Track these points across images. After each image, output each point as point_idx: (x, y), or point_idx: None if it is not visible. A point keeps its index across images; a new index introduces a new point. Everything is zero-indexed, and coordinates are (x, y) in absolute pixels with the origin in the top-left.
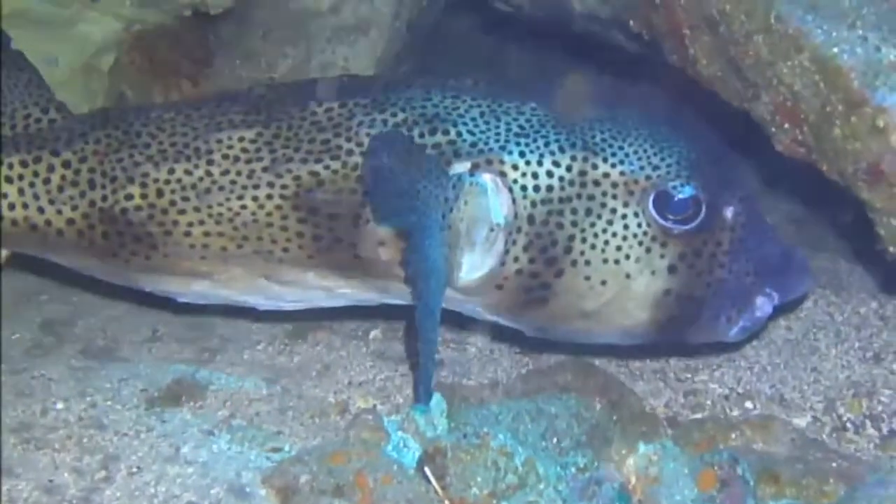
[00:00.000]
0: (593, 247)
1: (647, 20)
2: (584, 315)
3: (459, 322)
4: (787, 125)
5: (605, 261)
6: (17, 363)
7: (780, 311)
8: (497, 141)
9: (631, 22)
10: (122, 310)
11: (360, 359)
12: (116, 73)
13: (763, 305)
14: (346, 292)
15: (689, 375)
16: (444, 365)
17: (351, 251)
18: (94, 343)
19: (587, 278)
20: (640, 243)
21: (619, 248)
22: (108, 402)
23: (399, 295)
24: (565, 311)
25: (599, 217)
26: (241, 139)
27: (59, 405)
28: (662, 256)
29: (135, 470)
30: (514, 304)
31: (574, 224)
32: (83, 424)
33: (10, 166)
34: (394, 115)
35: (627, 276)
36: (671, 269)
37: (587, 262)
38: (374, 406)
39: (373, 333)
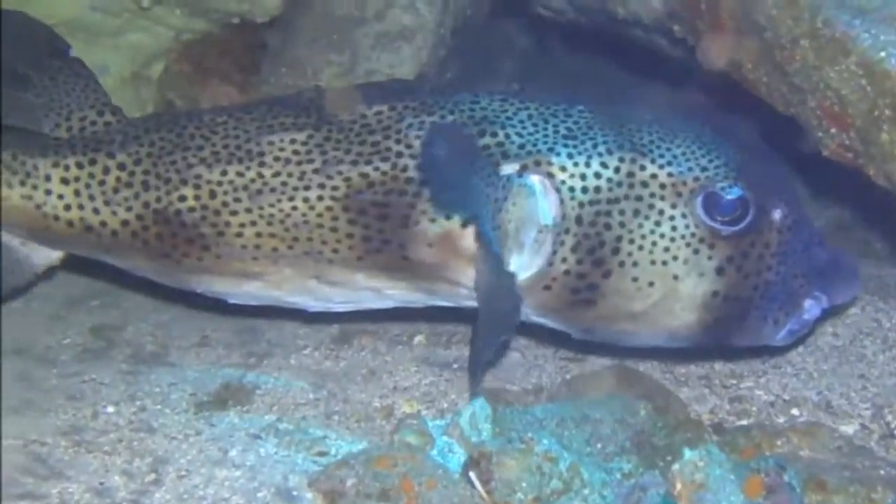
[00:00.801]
0: (641, 248)
1: (691, 25)
2: (631, 316)
3: None
4: (833, 130)
5: (653, 262)
6: (67, 367)
7: (827, 314)
8: (545, 143)
9: (675, 27)
10: (170, 315)
11: (404, 364)
12: (165, 82)
13: (811, 308)
14: (395, 293)
15: (735, 382)
16: (489, 371)
17: (400, 252)
18: (144, 348)
19: (635, 279)
20: (688, 245)
21: (666, 250)
22: (158, 406)
23: (446, 297)
24: (613, 312)
25: (647, 218)
26: (293, 141)
27: (110, 409)
28: (710, 258)
29: (184, 473)
30: (562, 305)
31: (622, 225)
32: (133, 428)
33: (67, 168)
34: (442, 117)
35: (675, 277)
36: (719, 271)
37: (635, 264)
38: (419, 411)
39: (417, 339)
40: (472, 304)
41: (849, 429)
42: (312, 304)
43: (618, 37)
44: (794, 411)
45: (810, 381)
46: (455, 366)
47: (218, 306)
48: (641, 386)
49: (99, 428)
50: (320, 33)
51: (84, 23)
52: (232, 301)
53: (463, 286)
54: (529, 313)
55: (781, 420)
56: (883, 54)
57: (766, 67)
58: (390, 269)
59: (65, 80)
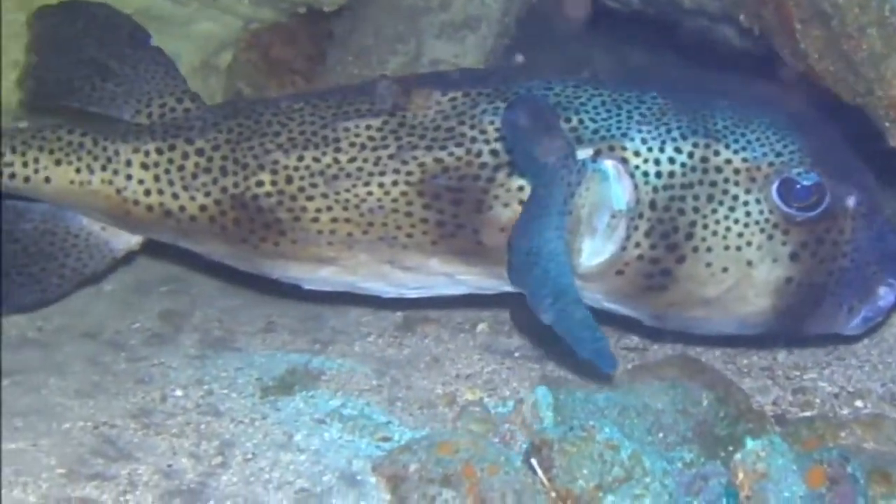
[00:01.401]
0: (715, 233)
1: (757, 15)
2: (703, 302)
3: None
4: None
5: (727, 247)
6: (136, 351)
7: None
8: (619, 128)
9: (741, 16)
10: (237, 301)
11: (467, 352)
12: (233, 71)
13: (885, 296)
14: (468, 279)
15: (798, 373)
16: (551, 359)
17: (474, 237)
18: (211, 333)
19: (708, 265)
20: (762, 230)
21: (740, 235)
22: (225, 391)
23: None
24: (685, 297)
25: (721, 203)
26: (368, 127)
27: (178, 392)
28: (784, 244)
29: (250, 456)
30: (635, 290)
31: (696, 210)
32: (200, 411)
33: (147, 153)
34: None
35: (749, 263)
36: (793, 257)
37: (709, 249)
38: (482, 398)
39: (480, 327)
40: None
41: None
42: (386, 290)
43: (680, 27)
44: (859, 403)
45: (875, 373)
46: (517, 354)
47: (283, 293)
48: (703, 376)
49: (167, 411)
50: (386, 22)
51: (155, 12)
52: (307, 287)
53: None
54: (601, 299)
55: (845, 412)
56: None
57: (832, 57)
58: (464, 254)
59: (145, 68)
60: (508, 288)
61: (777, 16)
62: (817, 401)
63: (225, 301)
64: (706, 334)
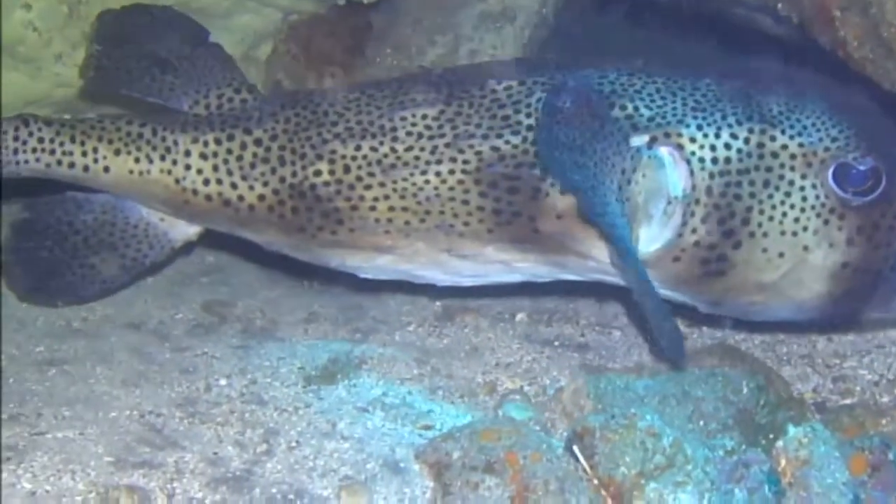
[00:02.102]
0: (771, 218)
1: (795, 3)
2: (760, 288)
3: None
4: None
5: (783, 233)
6: (180, 341)
7: None
8: (674, 115)
9: (779, 5)
10: (278, 292)
11: (506, 341)
12: (273, 63)
13: None
14: (524, 266)
15: (838, 361)
16: (590, 348)
17: (530, 225)
18: (253, 323)
19: (765, 250)
20: (818, 215)
21: (797, 220)
22: (268, 380)
23: (575, 270)
24: (742, 283)
25: (777, 189)
26: (424, 116)
27: (222, 381)
28: (840, 229)
29: (294, 444)
30: (691, 276)
31: (752, 196)
32: (245, 400)
33: (206, 144)
34: None
35: (805, 248)
36: (849, 242)
37: (765, 234)
38: (522, 387)
39: (519, 316)
40: (601, 277)
41: None
42: (442, 278)
43: (718, 17)
44: None
45: None
46: (556, 343)
47: (324, 284)
48: (744, 364)
49: (212, 400)
50: (424, 14)
51: (195, 4)
52: (362, 275)
53: (592, 259)
54: (658, 286)
55: (885, 399)
56: None
57: (871, 44)
58: (520, 242)
59: (204, 62)
60: (564, 275)
61: (816, 4)
62: (857, 388)
63: (266, 292)
64: (763, 320)
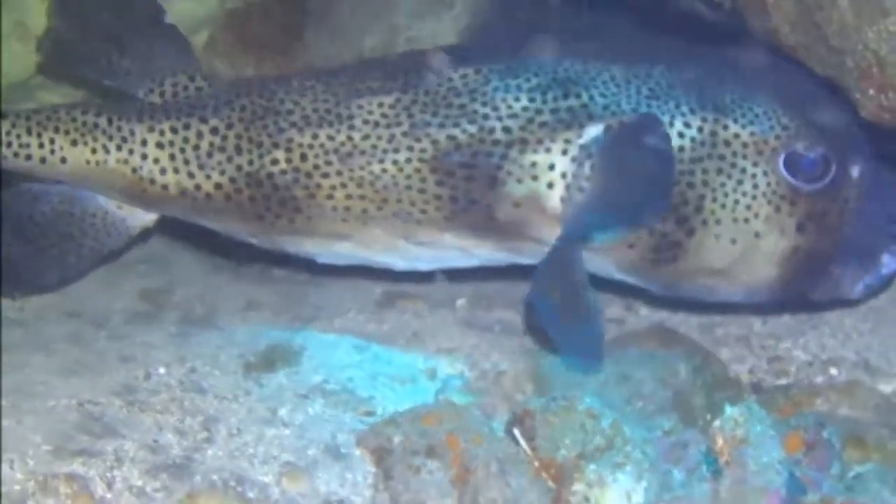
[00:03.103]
0: (724, 206)
1: None
2: (713, 273)
3: None
4: (871, 91)
5: (735, 219)
6: (118, 330)
7: None
8: (629, 103)
9: None
10: (218, 279)
11: (447, 326)
12: (210, 50)
13: (889, 263)
14: (481, 252)
15: (773, 342)
16: (529, 332)
17: (487, 212)
18: (193, 311)
19: (717, 237)
20: (770, 202)
21: (748, 207)
22: (208, 368)
23: (532, 255)
24: (695, 269)
25: (730, 177)
26: (381, 105)
27: (161, 370)
28: (791, 215)
29: (234, 431)
30: (646, 262)
31: (705, 184)
32: (184, 388)
33: (162, 133)
34: (528, 79)
35: (757, 234)
36: (799, 228)
37: (718, 221)
38: (463, 372)
39: (459, 302)
40: None
41: (887, 387)
42: (400, 264)
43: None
44: (833, 371)
45: (848, 341)
46: (497, 328)
47: (264, 270)
48: (681, 346)
49: (151, 388)
50: (362, 0)
51: None
52: (321, 261)
53: (549, 245)
54: (613, 271)
55: (820, 379)
56: None
57: (804, 29)
58: (478, 229)
59: (160, 45)
60: (521, 261)
61: None
62: (792, 369)
63: (205, 279)
64: (716, 302)
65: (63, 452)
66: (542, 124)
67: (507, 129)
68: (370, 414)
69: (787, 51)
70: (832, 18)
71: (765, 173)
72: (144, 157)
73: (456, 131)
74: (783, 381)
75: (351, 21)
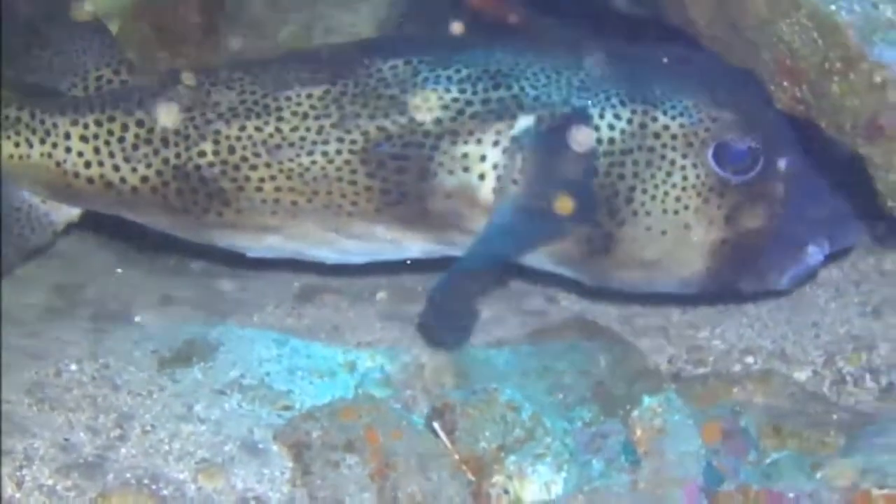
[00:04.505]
0: (654, 197)
1: None
2: (643, 264)
3: None
4: (786, 83)
5: (665, 211)
6: (30, 326)
7: (829, 260)
8: (559, 95)
9: None
10: (132, 274)
11: (367, 320)
12: (123, 40)
13: (815, 254)
14: (412, 245)
15: (692, 332)
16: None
17: (418, 204)
18: (106, 306)
19: (648, 228)
20: (699, 194)
21: (678, 199)
22: (121, 364)
23: (463, 247)
24: (626, 260)
25: (659, 168)
26: (310, 96)
27: (73, 366)
28: (720, 206)
29: (149, 428)
30: (577, 253)
31: (635, 175)
32: (97, 385)
33: (86, 126)
34: (458, 71)
35: (686, 225)
36: (728, 219)
37: (648, 213)
38: (383, 365)
39: (379, 295)
40: None
41: (802, 375)
42: (331, 257)
43: None
44: (749, 359)
45: (765, 330)
46: (417, 320)
47: (180, 264)
48: (601, 337)
49: (62, 385)
50: None
51: None
52: (252, 255)
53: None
54: (546, 262)
55: (737, 368)
56: (833, 7)
57: (720, 23)
58: (409, 221)
59: (81, 37)
60: (454, 252)
61: None
62: (710, 358)
63: (120, 273)
64: (645, 293)
65: None
66: (473, 115)
67: (437, 121)
68: (288, 409)
69: (704, 42)
70: (747, 11)
71: (694, 165)
72: (68, 150)
73: (386, 122)
74: (701, 371)
75: (267, 12)
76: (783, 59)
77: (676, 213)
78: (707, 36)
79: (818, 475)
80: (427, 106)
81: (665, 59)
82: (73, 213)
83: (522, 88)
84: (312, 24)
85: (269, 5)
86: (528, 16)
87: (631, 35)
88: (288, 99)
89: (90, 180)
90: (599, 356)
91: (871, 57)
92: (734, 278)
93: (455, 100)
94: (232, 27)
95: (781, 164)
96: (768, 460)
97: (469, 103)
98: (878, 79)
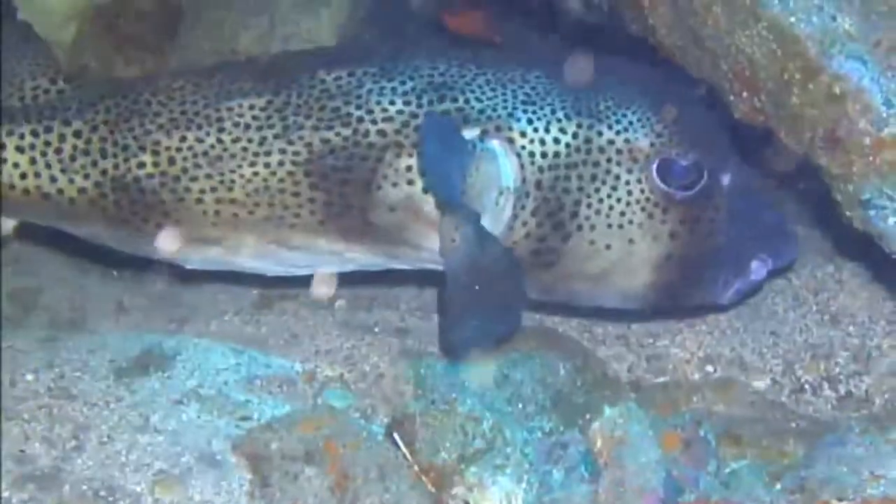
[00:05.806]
0: (598, 212)
1: None
2: (588, 278)
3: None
4: (745, 93)
5: (610, 225)
6: None
7: (772, 275)
8: (505, 108)
9: None
10: (87, 281)
11: (326, 328)
12: (79, 46)
13: (758, 269)
14: (357, 257)
15: (651, 340)
16: (410, 333)
17: (362, 217)
18: (61, 314)
19: (592, 242)
20: (643, 209)
21: (622, 214)
22: (77, 373)
23: (408, 260)
24: (571, 273)
25: (604, 183)
26: (252, 107)
27: (28, 376)
28: (664, 222)
29: (105, 439)
30: (524, 266)
31: (580, 189)
32: (53, 395)
33: (22, 136)
34: (402, 83)
35: (630, 240)
36: (672, 235)
37: (592, 227)
38: (342, 374)
39: (338, 303)
40: (434, 266)
41: (761, 384)
42: (273, 269)
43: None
44: (709, 368)
45: (724, 339)
46: (377, 329)
47: (137, 272)
48: (561, 346)
49: (18, 395)
50: None
51: None
52: (190, 267)
53: (425, 249)
54: None
55: (697, 377)
56: (792, 19)
57: (679, 32)
58: (353, 234)
59: (15, 46)
60: (396, 265)
61: None
62: (670, 367)
63: (75, 281)
64: (592, 307)
65: None
66: (418, 128)
67: (381, 133)
68: (246, 419)
69: (664, 52)
70: (706, 22)
71: (638, 180)
72: (3, 161)
73: (329, 134)
74: (661, 379)
75: (226, 17)
76: (742, 70)
77: (621, 227)
78: (667, 45)
79: (777, 486)
80: (371, 118)
81: (611, 73)
82: (8, 225)
83: (468, 101)
84: (272, 29)
85: (229, 10)
86: (508, 34)
87: (585, 43)
88: (230, 109)
89: (26, 192)
90: (559, 365)
91: (829, 69)
92: (678, 293)
93: (400, 112)
94: (190, 32)
95: (725, 179)
96: (727, 469)
97: (414, 116)
98: (836, 90)
